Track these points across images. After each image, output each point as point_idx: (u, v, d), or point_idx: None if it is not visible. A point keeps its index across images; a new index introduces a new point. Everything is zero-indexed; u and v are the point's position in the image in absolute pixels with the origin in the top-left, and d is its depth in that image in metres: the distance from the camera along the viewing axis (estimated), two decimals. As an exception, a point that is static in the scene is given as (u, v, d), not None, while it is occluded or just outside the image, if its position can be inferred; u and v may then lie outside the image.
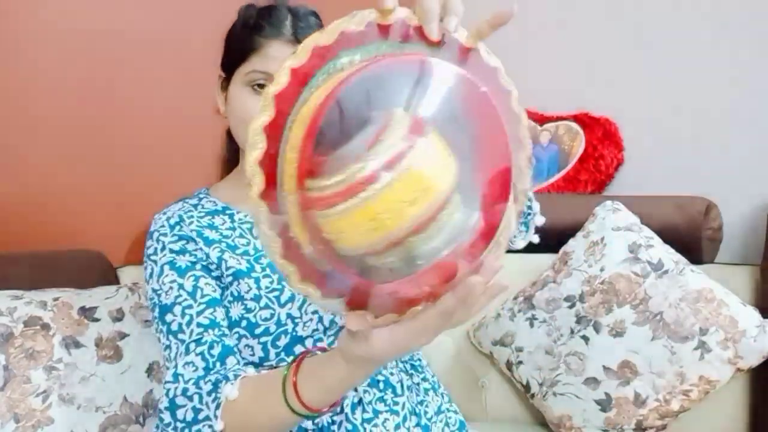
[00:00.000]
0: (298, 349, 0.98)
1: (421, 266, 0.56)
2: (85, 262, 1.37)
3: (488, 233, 0.58)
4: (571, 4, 1.89)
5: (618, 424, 1.38)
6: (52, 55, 1.38)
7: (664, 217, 1.53)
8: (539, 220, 1.06)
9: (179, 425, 0.86)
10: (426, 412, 1.04)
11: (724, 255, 1.60)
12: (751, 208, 1.61)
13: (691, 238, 1.52)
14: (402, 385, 1.01)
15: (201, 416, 0.85)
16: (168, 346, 0.92)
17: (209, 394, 0.85)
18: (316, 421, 0.95)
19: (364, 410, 0.96)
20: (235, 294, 0.98)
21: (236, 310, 0.97)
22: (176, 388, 0.87)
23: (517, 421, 1.58)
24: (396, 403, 0.99)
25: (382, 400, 0.98)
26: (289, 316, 0.97)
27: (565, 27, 1.90)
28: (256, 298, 0.97)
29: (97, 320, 1.20)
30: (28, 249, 1.33)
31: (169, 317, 0.93)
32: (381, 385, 0.99)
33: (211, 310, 0.94)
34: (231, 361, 0.90)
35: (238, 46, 1.01)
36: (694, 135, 1.70)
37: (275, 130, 0.58)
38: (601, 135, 1.78)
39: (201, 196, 1.09)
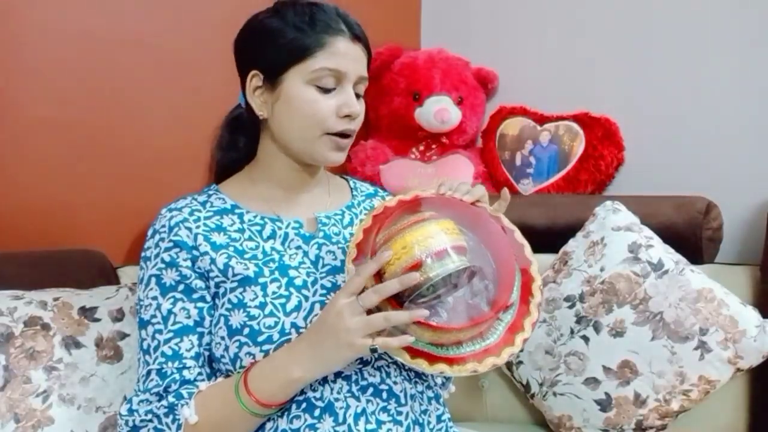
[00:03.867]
0: None
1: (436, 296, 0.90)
2: (85, 262, 1.37)
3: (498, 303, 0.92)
4: (571, 4, 1.89)
5: (618, 424, 1.38)
6: (52, 56, 1.38)
7: (664, 217, 1.53)
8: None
9: None
10: (429, 422, 1.03)
11: (724, 255, 1.60)
12: (751, 208, 1.61)
13: (691, 238, 1.52)
14: (406, 394, 1.01)
15: None
16: (139, 359, 1.00)
17: (166, 415, 0.94)
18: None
19: (367, 421, 0.95)
20: (236, 301, 0.97)
21: (238, 318, 0.97)
22: (133, 420, 0.95)
23: (517, 421, 1.58)
24: (400, 413, 0.98)
25: (385, 410, 0.97)
26: (293, 325, 0.96)
27: (565, 27, 1.90)
28: (261, 306, 0.96)
29: (98, 320, 1.20)
30: (28, 249, 1.33)
31: (143, 333, 1.00)
32: (384, 395, 0.98)
33: (177, 339, 0.97)
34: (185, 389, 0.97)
35: (296, 42, 0.99)
36: (694, 135, 1.70)
37: (366, 233, 0.94)
38: (601, 135, 1.78)
39: (210, 192, 1.07)
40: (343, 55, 1.00)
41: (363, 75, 1.03)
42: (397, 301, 0.89)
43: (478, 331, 0.92)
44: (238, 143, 1.11)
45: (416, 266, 0.87)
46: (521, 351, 1.08)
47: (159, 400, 0.95)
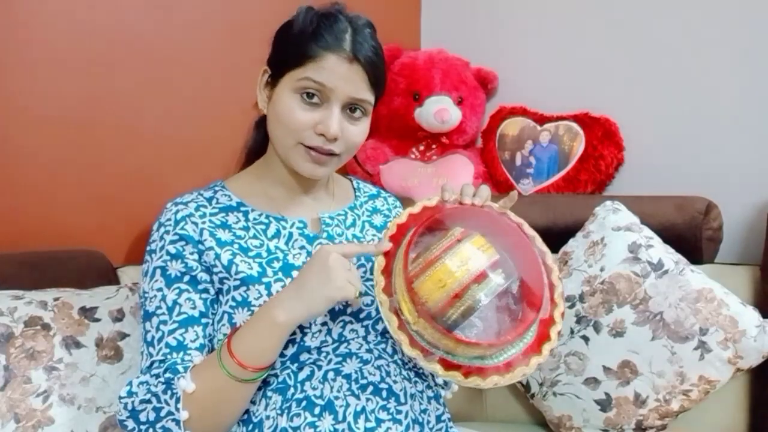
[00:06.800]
0: (305, 357, 0.98)
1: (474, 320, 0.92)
2: (85, 262, 1.36)
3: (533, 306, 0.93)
4: (571, 4, 1.89)
5: (618, 424, 1.38)
6: (52, 54, 1.38)
7: (664, 217, 1.54)
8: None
9: (143, 427, 0.92)
10: (429, 421, 1.03)
11: (724, 255, 1.60)
12: (751, 208, 1.61)
13: (691, 238, 1.52)
14: (405, 393, 1.01)
15: (163, 413, 0.91)
16: (142, 352, 0.99)
17: (164, 392, 0.91)
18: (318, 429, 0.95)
19: (366, 419, 0.96)
20: (240, 299, 0.98)
21: (242, 316, 0.97)
22: (132, 401, 0.94)
23: (517, 421, 1.58)
24: (399, 412, 0.99)
25: (385, 408, 0.98)
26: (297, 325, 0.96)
27: (565, 27, 1.90)
28: None
29: (98, 320, 1.20)
30: (28, 249, 1.33)
31: (147, 325, 0.99)
32: (384, 394, 0.99)
33: (182, 330, 0.97)
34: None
35: (295, 49, 0.99)
36: (694, 135, 1.70)
37: (389, 257, 0.95)
38: (601, 135, 1.78)
39: (216, 188, 1.08)
40: (331, 71, 0.97)
41: (356, 96, 0.99)
42: (444, 326, 0.89)
43: (517, 335, 0.92)
44: (258, 138, 1.13)
45: (461, 293, 0.89)
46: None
47: (157, 378, 0.93)
